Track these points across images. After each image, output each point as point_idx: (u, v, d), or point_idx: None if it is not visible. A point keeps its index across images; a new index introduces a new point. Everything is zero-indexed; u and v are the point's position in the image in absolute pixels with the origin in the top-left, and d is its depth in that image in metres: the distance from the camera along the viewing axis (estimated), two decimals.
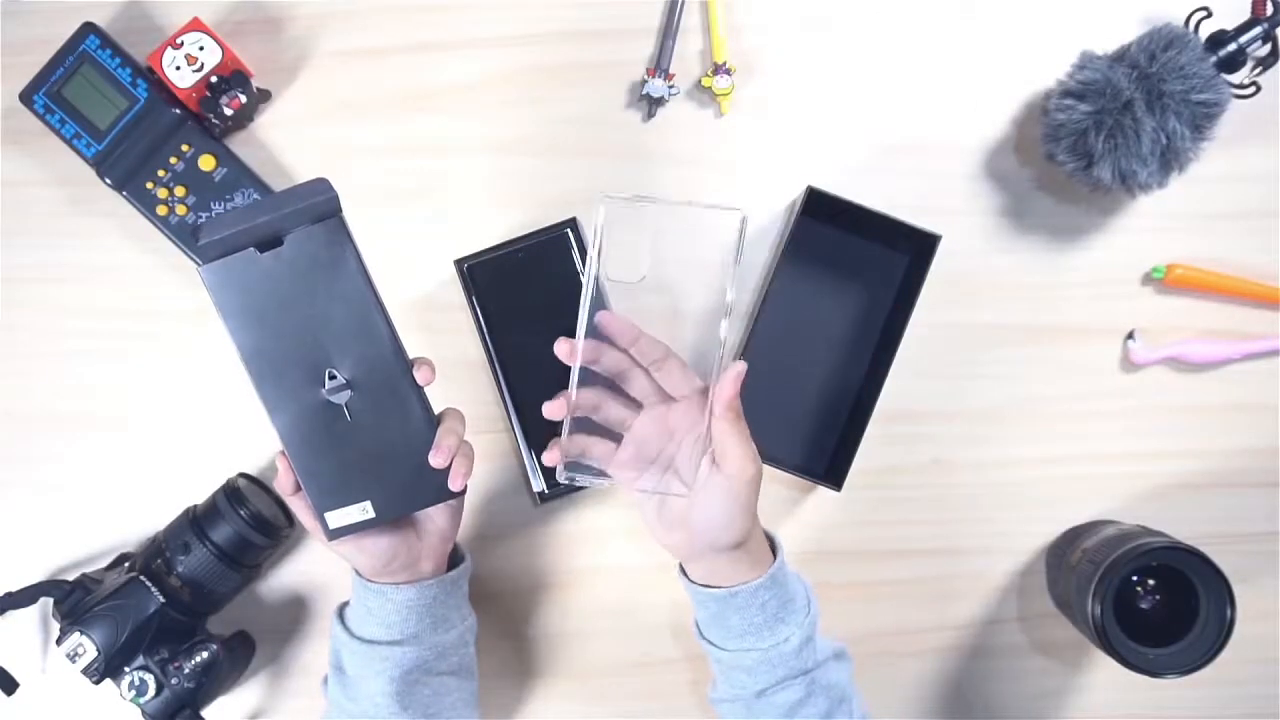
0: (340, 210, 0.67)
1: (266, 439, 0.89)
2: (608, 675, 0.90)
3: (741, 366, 0.70)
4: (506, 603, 0.89)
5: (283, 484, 0.70)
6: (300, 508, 0.71)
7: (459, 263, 0.86)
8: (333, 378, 0.67)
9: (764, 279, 0.87)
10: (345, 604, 0.77)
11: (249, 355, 0.67)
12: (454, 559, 0.79)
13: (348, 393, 0.68)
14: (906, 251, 0.87)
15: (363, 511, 0.70)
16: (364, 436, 0.69)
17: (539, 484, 0.86)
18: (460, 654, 0.77)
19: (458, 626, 0.77)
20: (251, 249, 0.66)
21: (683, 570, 0.76)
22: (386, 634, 0.73)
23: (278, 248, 0.66)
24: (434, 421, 0.70)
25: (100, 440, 0.89)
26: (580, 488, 0.82)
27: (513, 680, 0.90)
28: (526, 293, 0.85)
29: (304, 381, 0.68)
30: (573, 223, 0.85)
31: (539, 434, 0.85)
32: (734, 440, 0.69)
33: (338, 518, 0.70)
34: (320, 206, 0.66)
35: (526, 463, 0.86)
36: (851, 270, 0.88)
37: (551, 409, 0.71)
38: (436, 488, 0.70)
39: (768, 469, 0.75)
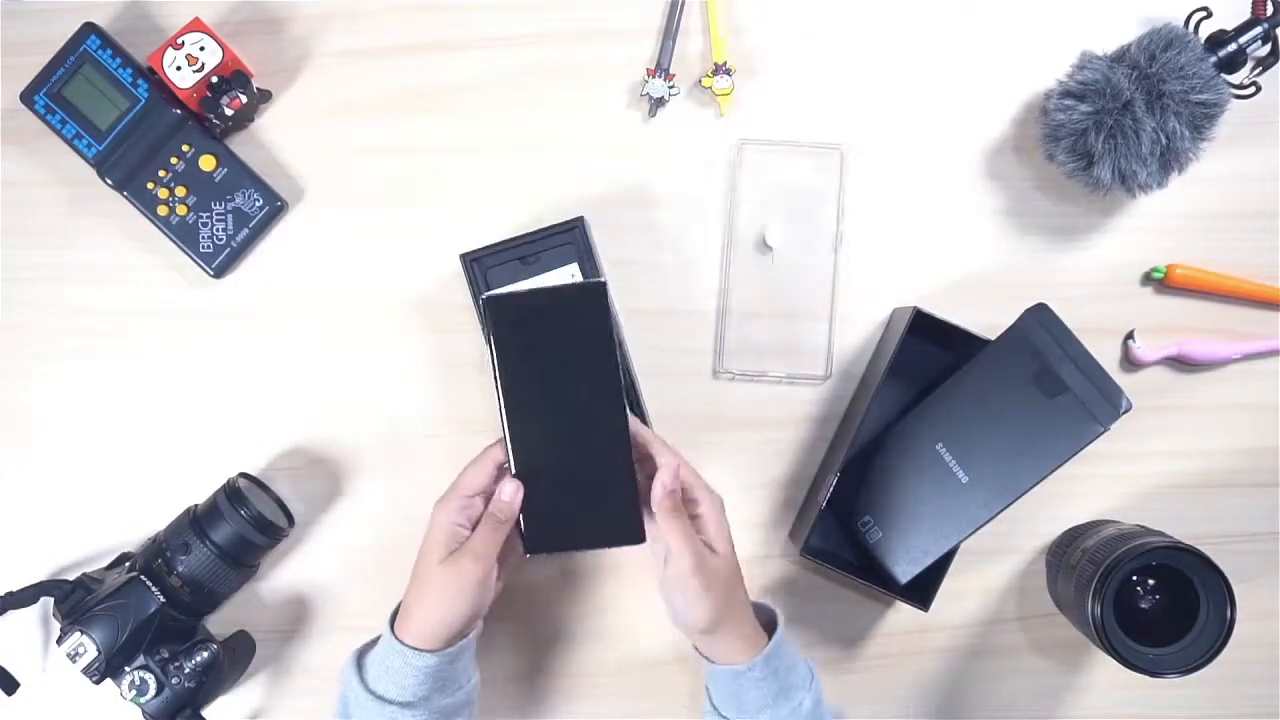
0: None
1: (266, 439, 0.89)
2: (608, 675, 0.90)
3: (674, 463, 0.72)
4: (506, 603, 0.89)
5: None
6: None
7: (464, 257, 0.86)
8: None
9: (865, 390, 0.86)
10: (362, 651, 0.76)
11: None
12: None
13: None
14: None
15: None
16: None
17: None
18: (465, 714, 0.77)
19: (464, 688, 0.75)
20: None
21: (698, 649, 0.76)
22: (400, 694, 0.72)
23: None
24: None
25: (100, 440, 0.90)
26: None
27: (513, 680, 0.90)
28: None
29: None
30: (580, 221, 0.85)
31: None
32: (671, 534, 0.71)
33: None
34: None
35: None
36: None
37: None
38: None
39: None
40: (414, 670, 0.72)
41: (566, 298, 0.74)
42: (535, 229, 0.84)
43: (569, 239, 0.84)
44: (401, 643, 0.72)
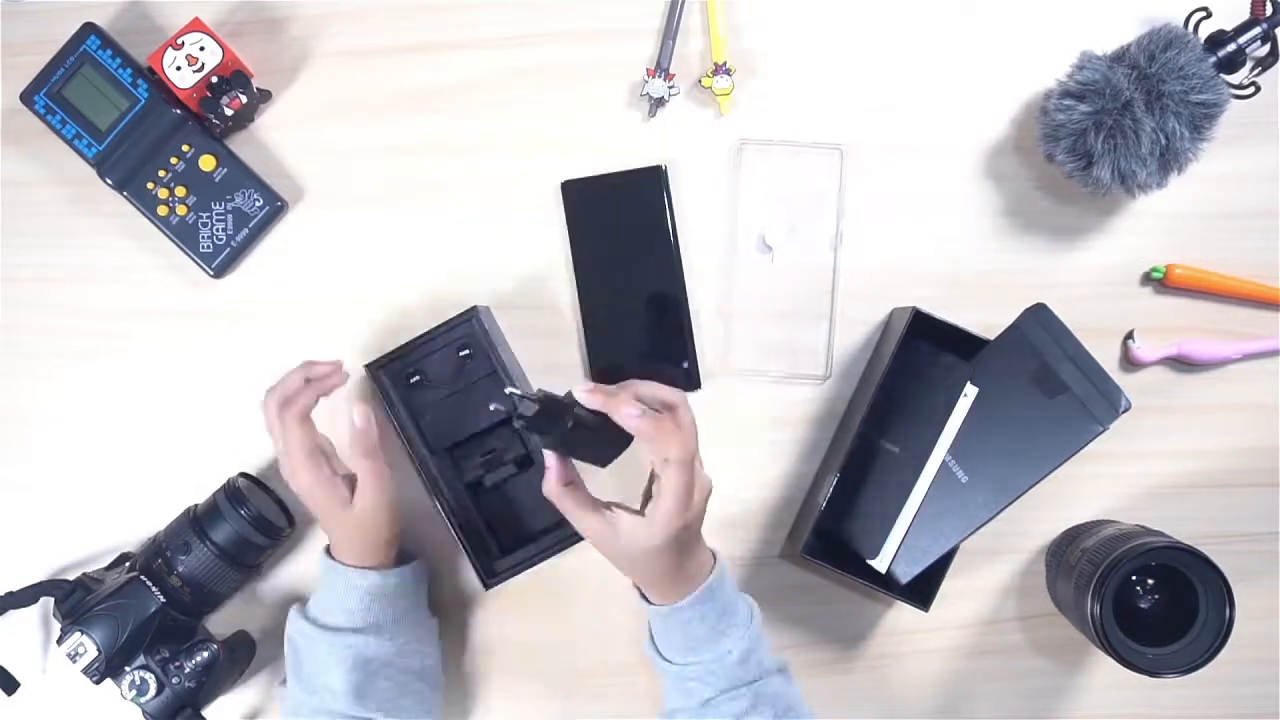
0: None
1: (266, 439, 0.89)
2: (606, 675, 0.90)
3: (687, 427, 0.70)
4: (505, 601, 0.89)
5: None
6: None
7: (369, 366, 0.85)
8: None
9: (865, 390, 0.86)
10: (302, 602, 0.79)
11: None
12: (404, 562, 0.80)
13: None
14: None
15: None
16: None
17: None
18: (423, 655, 0.78)
19: (423, 624, 0.77)
20: None
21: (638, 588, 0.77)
22: (348, 621, 0.73)
23: None
24: None
25: (100, 440, 0.90)
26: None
27: (513, 680, 0.90)
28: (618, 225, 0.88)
29: None
30: (474, 312, 0.84)
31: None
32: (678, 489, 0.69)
33: None
34: None
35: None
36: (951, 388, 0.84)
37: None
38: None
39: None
40: (360, 592, 0.73)
41: (631, 180, 0.85)
42: (432, 326, 0.84)
43: (467, 330, 0.84)
44: (340, 562, 0.74)
